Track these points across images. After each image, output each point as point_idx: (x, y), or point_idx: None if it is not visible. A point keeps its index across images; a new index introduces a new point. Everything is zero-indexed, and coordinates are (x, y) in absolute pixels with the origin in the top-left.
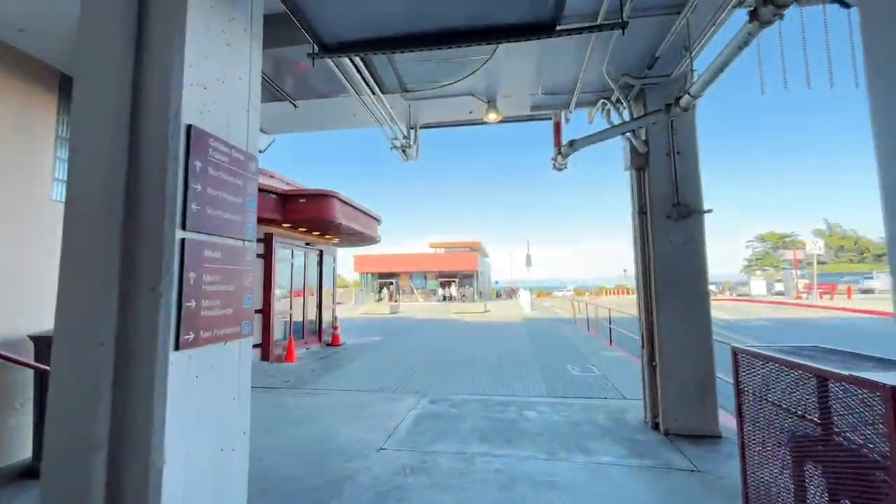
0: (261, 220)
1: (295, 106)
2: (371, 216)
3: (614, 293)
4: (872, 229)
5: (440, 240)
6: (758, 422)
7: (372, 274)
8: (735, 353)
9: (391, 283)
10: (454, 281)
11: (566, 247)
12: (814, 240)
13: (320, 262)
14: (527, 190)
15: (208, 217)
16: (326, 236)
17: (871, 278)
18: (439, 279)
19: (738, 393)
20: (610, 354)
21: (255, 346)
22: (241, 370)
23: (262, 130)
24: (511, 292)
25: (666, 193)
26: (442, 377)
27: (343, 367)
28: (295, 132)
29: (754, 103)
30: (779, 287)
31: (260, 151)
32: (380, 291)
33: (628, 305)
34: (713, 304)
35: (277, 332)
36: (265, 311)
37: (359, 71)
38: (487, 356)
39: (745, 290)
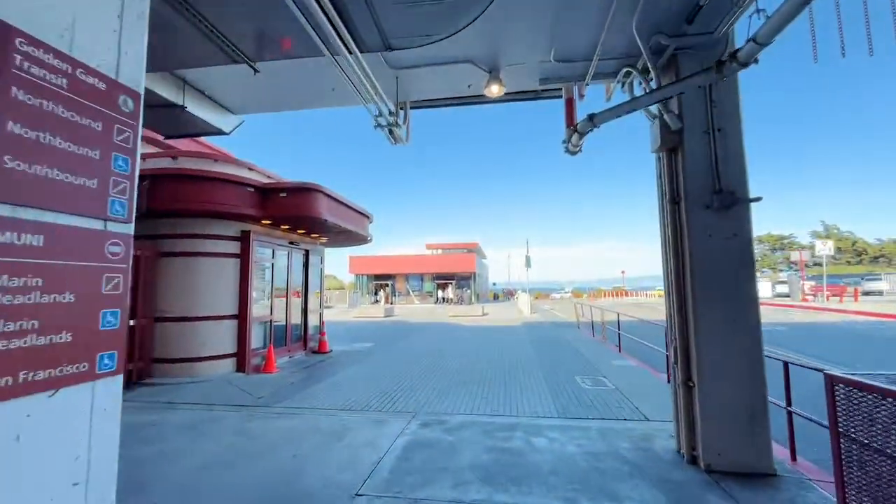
0: (237, 217)
1: (255, 70)
2: (361, 213)
3: (612, 295)
4: (869, 231)
5: (437, 241)
6: (869, 482)
7: (368, 276)
8: (831, 382)
9: (387, 286)
10: (451, 283)
11: (562, 248)
12: (823, 240)
13: (306, 263)
14: (526, 187)
15: (11, 175)
16: (313, 235)
17: (877, 279)
18: (436, 281)
19: (836, 439)
20: (620, 363)
21: (229, 356)
22: (98, 431)
23: (227, 109)
24: (509, 294)
25: (705, 179)
26: (436, 391)
27: (327, 378)
28: (266, 112)
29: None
30: (780, 289)
31: (225, 133)
32: (375, 294)
33: (628, 307)
34: None
35: (256, 340)
36: (241, 316)
37: (329, 19)
38: (487, 365)
39: None
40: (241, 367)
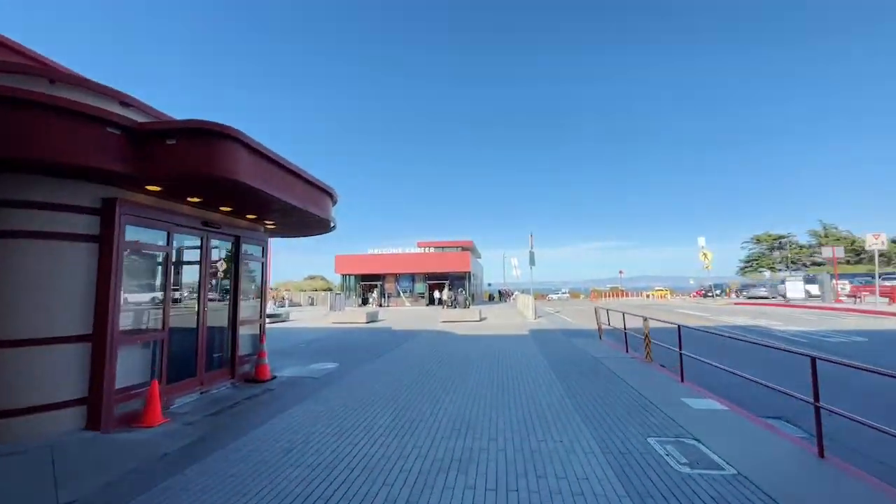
0: (94, 174)
1: None
2: (315, 185)
3: (611, 296)
4: (867, 229)
5: (430, 239)
6: None
7: (355, 276)
8: None
9: (375, 286)
10: (445, 283)
11: (552, 250)
12: (874, 234)
13: (236, 255)
14: (523, 178)
15: None
16: (248, 216)
17: None
18: (428, 282)
19: None
20: (700, 406)
21: (74, 402)
22: None
23: None
24: (506, 295)
25: None
26: (407, 486)
27: (235, 439)
28: None
29: (725, 97)
30: (808, 289)
31: None
32: (364, 296)
33: (638, 308)
34: (753, 309)
35: (131, 373)
36: (98, 336)
37: None
38: (495, 413)
39: (756, 291)
40: (94, 423)
